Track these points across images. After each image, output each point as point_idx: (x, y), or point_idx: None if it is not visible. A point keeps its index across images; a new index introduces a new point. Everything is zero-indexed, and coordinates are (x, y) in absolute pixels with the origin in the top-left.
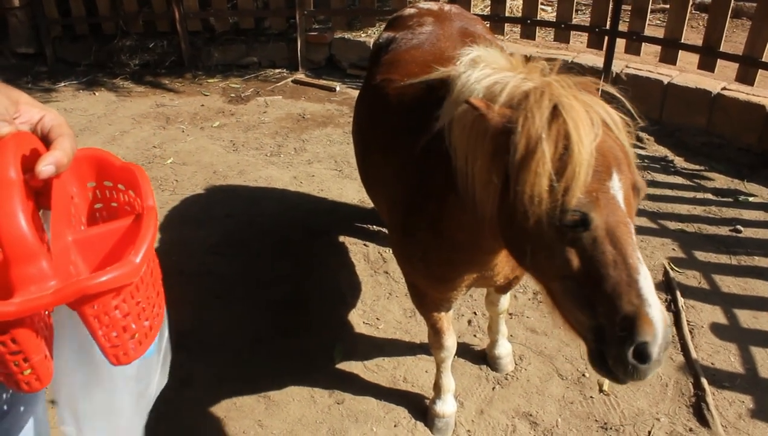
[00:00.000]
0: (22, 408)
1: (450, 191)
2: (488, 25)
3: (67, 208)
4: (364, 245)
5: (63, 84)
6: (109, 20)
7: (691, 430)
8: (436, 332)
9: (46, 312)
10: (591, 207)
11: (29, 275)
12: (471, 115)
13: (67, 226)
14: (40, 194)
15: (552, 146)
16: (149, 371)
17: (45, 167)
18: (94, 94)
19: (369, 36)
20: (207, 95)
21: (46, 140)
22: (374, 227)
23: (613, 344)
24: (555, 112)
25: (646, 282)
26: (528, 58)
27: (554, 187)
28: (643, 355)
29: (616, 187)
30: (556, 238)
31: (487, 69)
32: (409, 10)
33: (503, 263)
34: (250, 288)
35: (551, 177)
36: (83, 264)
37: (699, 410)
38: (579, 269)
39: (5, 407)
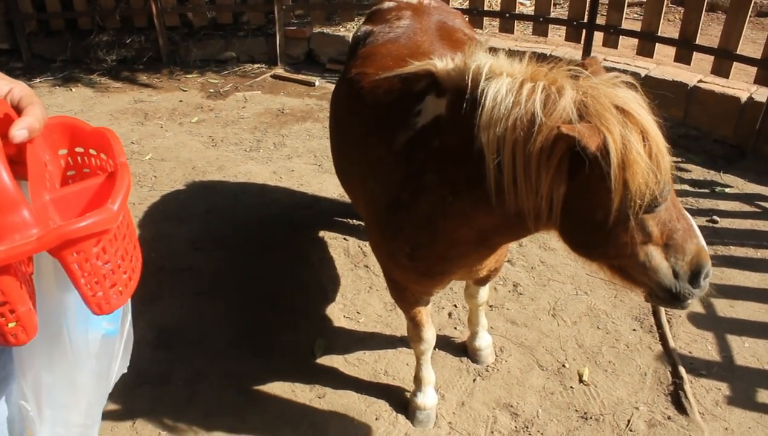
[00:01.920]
0: None
1: (451, 191)
2: (466, 18)
3: (42, 173)
4: (344, 239)
5: (39, 80)
6: (85, 15)
7: (669, 418)
8: (415, 324)
9: (30, 272)
10: (670, 184)
11: (12, 223)
12: (540, 136)
13: (43, 187)
14: (14, 163)
15: (640, 142)
16: (111, 351)
17: (18, 132)
18: (71, 90)
19: (348, 30)
20: (185, 91)
21: (17, 110)
22: (354, 221)
23: (688, 276)
24: (622, 113)
25: (694, 224)
26: (534, 59)
27: (655, 175)
28: (708, 276)
29: (668, 160)
30: (646, 217)
31: (511, 80)
32: (387, 4)
33: (491, 257)
34: (230, 284)
35: (650, 168)
36: (61, 221)
37: (677, 398)
38: (656, 233)
39: None
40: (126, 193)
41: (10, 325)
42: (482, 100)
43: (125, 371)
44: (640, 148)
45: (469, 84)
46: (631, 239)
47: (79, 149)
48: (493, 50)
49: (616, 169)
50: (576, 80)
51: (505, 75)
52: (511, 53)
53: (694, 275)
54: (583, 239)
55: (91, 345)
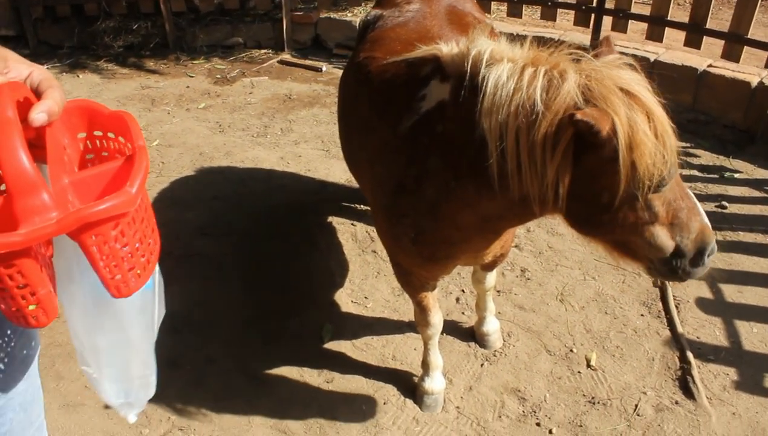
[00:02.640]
0: (18, 360)
1: (454, 176)
2: (475, 2)
3: (61, 156)
4: (352, 224)
5: (46, 67)
6: (91, 1)
7: (676, 403)
8: (422, 309)
9: (49, 254)
10: (676, 161)
11: (32, 206)
12: (545, 122)
13: (63, 171)
14: (34, 147)
15: (646, 123)
16: (151, 303)
17: (38, 115)
18: (78, 76)
19: (355, 15)
20: (192, 77)
21: (36, 94)
22: (362, 206)
23: (693, 253)
24: (627, 95)
25: (698, 202)
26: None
27: (662, 155)
28: (712, 253)
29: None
30: (652, 197)
31: (512, 66)
32: None
33: (496, 242)
34: (238, 269)
35: (657, 148)
36: (80, 204)
37: (684, 383)
38: (662, 213)
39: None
40: (144, 177)
41: (31, 307)
42: (483, 87)
43: (164, 312)
44: (646, 129)
45: (469, 70)
46: (637, 218)
47: (97, 133)
48: (500, 34)
49: (624, 151)
50: (578, 63)
51: (506, 60)
52: (518, 38)
53: (699, 253)
54: (589, 221)
55: (135, 302)
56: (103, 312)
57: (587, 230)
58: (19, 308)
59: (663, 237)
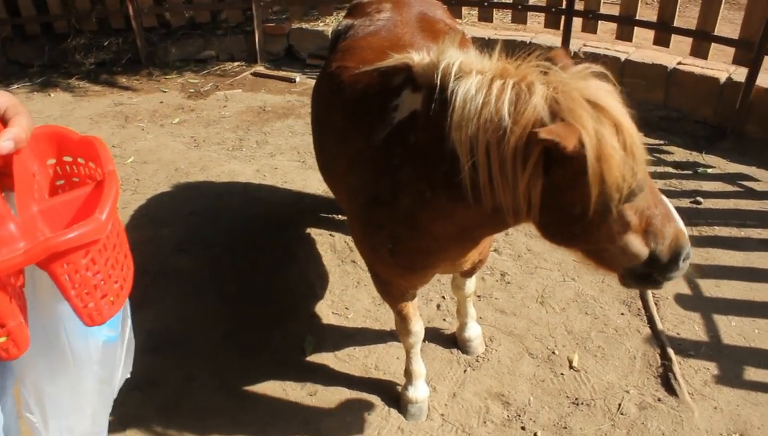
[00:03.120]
0: None
1: (429, 187)
2: (446, 9)
3: (30, 184)
4: (330, 235)
5: (16, 86)
6: (60, 19)
7: (659, 400)
8: (402, 318)
9: (19, 284)
10: (642, 187)
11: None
12: (513, 137)
13: (31, 199)
14: (2, 175)
15: (614, 136)
16: (113, 358)
17: (4, 143)
18: (50, 95)
19: (327, 25)
20: (165, 92)
21: (2, 120)
22: (339, 216)
23: (667, 259)
24: (595, 108)
25: (672, 207)
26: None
27: (631, 167)
28: (688, 257)
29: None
30: (624, 207)
31: (480, 78)
32: None
33: (474, 250)
34: (216, 284)
35: (626, 160)
36: (50, 232)
37: (666, 380)
38: (635, 221)
39: None
40: (114, 202)
41: (1, 339)
42: (452, 100)
43: (128, 376)
44: (614, 142)
45: (439, 82)
46: (610, 229)
47: (67, 158)
48: (471, 39)
49: (593, 165)
50: (546, 75)
51: (475, 72)
52: (490, 42)
53: (674, 258)
54: (562, 231)
55: (93, 352)
56: (57, 356)
57: (560, 240)
58: None
59: (637, 245)
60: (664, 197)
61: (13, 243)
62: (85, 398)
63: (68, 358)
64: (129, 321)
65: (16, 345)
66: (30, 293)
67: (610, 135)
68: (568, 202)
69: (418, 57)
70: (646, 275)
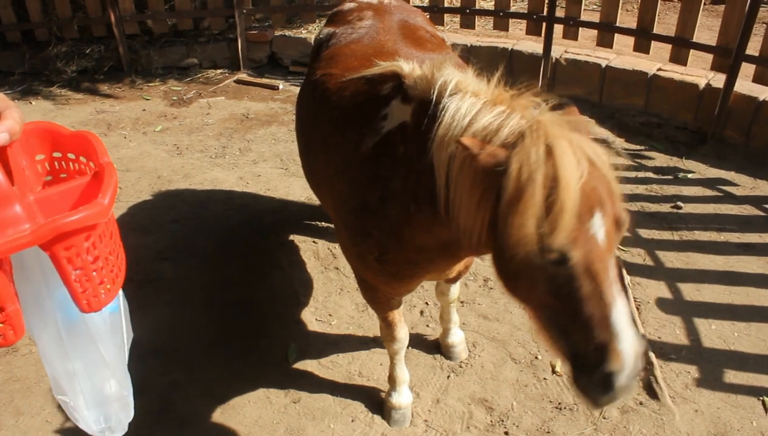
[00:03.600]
0: None
1: (414, 200)
2: (427, 16)
3: (23, 176)
4: (313, 242)
5: None
6: (42, 26)
7: (641, 403)
8: (387, 324)
9: (10, 272)
10: (571, 247)
11: (5, 218)
12: (462, 153)
13: (27, 188)
14: None
15: (540, 190)
16: (119, 325)
17: (0, 135)
18: (30, 103)
19: (310, 32)
20: (148, 99)
21: None
22: (323, 223)
23: (585, 371)
24: (546, 154)
25: (620, 315)
26: (511, 91)
27: (540, 229)
28: (608, 384)
29: (598, 225)
30: (539, 272)
31: (474, 100)
32: (348, 5)
33: (461, 261)
34: (200, 292)
35: (538, 220)
36: (43, 218)
37: (648, 384)
38: (559, 301)
39: None
40: (114, 191)
41: (1, 325)
42: (441, 116)
43: (132, 334)
44: (539, 193)
45: (434, 99)
46: (531, 288)
47: (56, 154)
48: (453, 46)
49: (506, 200)
50: (531, 110)
51: (470, 94)
52: (473, 49)
53: (597, 375)
54: (497, 269)
55: (104, 323)
56: (75, 335)
57: (501, 281)
58: None
59: (560, 328)
60: (616, 302)
61: (19, 224)
62: (108, 366)
63: (87, 332)
64: (120, 291)
65: (13, 330)
66: (41, 276)
67: (540, 184)
68: (498, 237)
69: (408, 67)
70: (574, 377)
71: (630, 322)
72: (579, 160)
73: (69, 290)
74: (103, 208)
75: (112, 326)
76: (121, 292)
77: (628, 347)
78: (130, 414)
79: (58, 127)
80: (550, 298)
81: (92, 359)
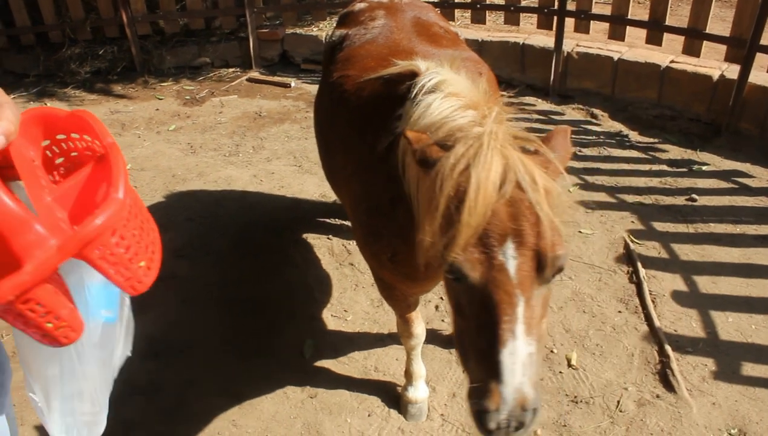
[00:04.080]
0: None
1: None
2: (438, 11)
3: (34, 172)
4: (328, 238)
5: (12, 96)
6: (55, 28)
7: (658, 396)
8: (404, 321)
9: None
10: (469, 268)
11: (29, 241)
12: (406, 145)
13: (41, 189)
14: (2, 168)
15: (445, 199)
16: (112, 339)
17: None
18: (45, 104)
19: (321, 30)
20: (161, 99)
21: None
22: (337, 220)
23: (469, 395)
24: (466, 165)
25: (509, 358)
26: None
27: (442, 239)
28: (479, 420)
29: (508, 254)
30: (446, 281)
31: (449, 101)
32: (359, 5)
33: None
34: (216, 290)
35: (441, 229)
36: (66, 216)
37: (665, 377)
38: (460, 317)
39: None
40: (125, 175)
41: (60, 329)
42: (412, 112)
43: (129, 354)
44: (442, 202)
45: (413, 95)
46: (447, 295)
47: (60, 136)
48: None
49: (422, 202)
50: (500, 118)
51: (448, 94)
52: (484, 44)
53: (473, 406)
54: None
55: (93, 334)
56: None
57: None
58: (46, 333)
59: (462, 344)
60: (509, 342)
61: (44, 243)
62: (87, 378)
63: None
64: (127, 300)
65: (73, 329)
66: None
67: (446, 194)
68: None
69: (424, 65)
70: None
71: (522, 369)
72: (503, 181)
73: (112, 281)
74: (120, 204)
75: (100, 341)
76: (128, 304)
77: (509, 392)
78: (97, 431)
79: (52, 109)
80: (454, 311)
81: (68, 368)
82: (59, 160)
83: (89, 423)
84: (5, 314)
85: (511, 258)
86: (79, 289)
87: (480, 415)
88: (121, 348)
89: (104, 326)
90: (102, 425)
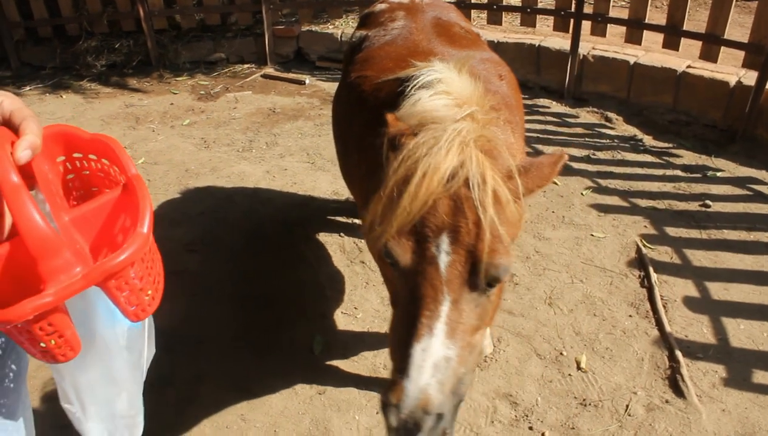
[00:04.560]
0: (12, 385)
1: None
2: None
3: (50, 189)
4: (339, 235)
5: (28, 88)
6: (72, 21)
7: (667, 402)
8: None
9: None
10: (400, 253)
11: (56, 266)
12: (385, 127)
13: (58, 207)
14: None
15: (395, 183)
16: (139, 342)
17: (23, 153)
18: (61, 97)
19: (336, 27)
20: (176, 93)
21: (9, 125)
22: (349, 218)
23: (382, 387)
24: (420, 155)
25: (421, 354)
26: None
27: (380, 220)
28: (384, 412)
29: (442, 248)
30: (383, 262)
31: (439, 97)
32: (380, 6)
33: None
34: (227, 285)
35: (382, 210)
36: (82, 239)
37: (674, 382)
38: (394, 300)
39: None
40: (151, 212)
41: (62, 347)
42: (403, 105)
43: (154, 351)
44: (388, 187)
45: (407, 91)
46: (382, 272)
47: (77, 155)
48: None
49: (394, 161)
50: (475, 117)
51: (440, 92)
52: (497, 46)
53: (381, 397)
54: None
55: (120, 338)
56: (88, 346)
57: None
58: (48, 350)
59: (392, 333)
60: (424, 338)
61: (70, 269)
62: (120, 382)
63: (99, 346)
64: None
65: (72, 349)
66: None
67: (393, 179)
68: None
69: (440, 66)
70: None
71: (432, 370)
72: (452, 175)
73: (119, 308)
74: (144, 240)
75: (128, 344)
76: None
77: (411, 389)
78: (137, 433)
79: (76, 130)
80: (390, 297)
81: (101, 374)
82: (70, 176)
83: (128, 426)
84: (12, 328)
85: (443, 253)
86: (102, 296)
87: (383, 407)
88: (147, 350)
89: (130, 330)
90: (140, 427)
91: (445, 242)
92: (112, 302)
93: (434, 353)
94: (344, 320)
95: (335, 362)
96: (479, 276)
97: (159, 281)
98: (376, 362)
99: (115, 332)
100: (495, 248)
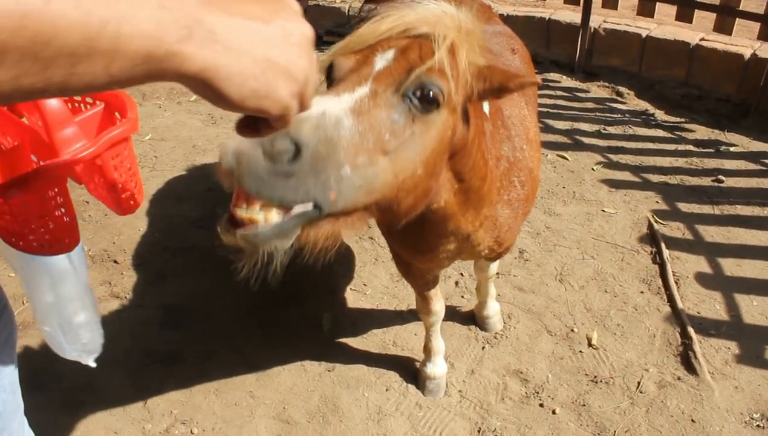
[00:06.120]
0: (2, 339)
1: None
2: None
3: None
4: None
5: None
6: None
7: (679, 378)
8: (423, 298)
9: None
10: (341, 62)
11: (69, 137)
12: None
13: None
14: None
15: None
16: (83, 262)
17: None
18: None
19: (344, 2)
20: None
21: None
22: None
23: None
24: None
25: (315, 107)
26: None
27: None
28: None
29: (384, 58)
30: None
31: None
32: None
33: (482, 235)
34: (234, 261)
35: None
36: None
37: (686, 359)
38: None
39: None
40: (135, 106)
41: (133, 195)
42: None
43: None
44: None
45: None
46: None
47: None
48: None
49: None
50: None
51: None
52: (507, 19)
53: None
54: None
55: (74, 261)
56: (51, 272)
57: None
58: (120, 201)
59: None
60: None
61: (78, 141)
62: (80, 297)
63: (58, 270)
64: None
65: (140, 194)
66: (23, 260)
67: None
68: None
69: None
70: None
71: (313, 117)
72: (402, 22)
73: (116, 197)
74: (135, 121)
75: (77, 265)
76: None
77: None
78: (100, 337)
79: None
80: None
81: (60, 293)
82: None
83: (91, 332)
84: (93, 174)
85: (384, 60)
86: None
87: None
88: (84, 270)
89: (76, 254)
90: (101, 331)
91: (390, 54)
92: (110, 182)
93: (324, 106)
94: (353, 296)
95: (344, 339)
96: (410, 78)
97: (138, 183)
98: (385, 339)
99: (66, 257)
100: (436, 70)
